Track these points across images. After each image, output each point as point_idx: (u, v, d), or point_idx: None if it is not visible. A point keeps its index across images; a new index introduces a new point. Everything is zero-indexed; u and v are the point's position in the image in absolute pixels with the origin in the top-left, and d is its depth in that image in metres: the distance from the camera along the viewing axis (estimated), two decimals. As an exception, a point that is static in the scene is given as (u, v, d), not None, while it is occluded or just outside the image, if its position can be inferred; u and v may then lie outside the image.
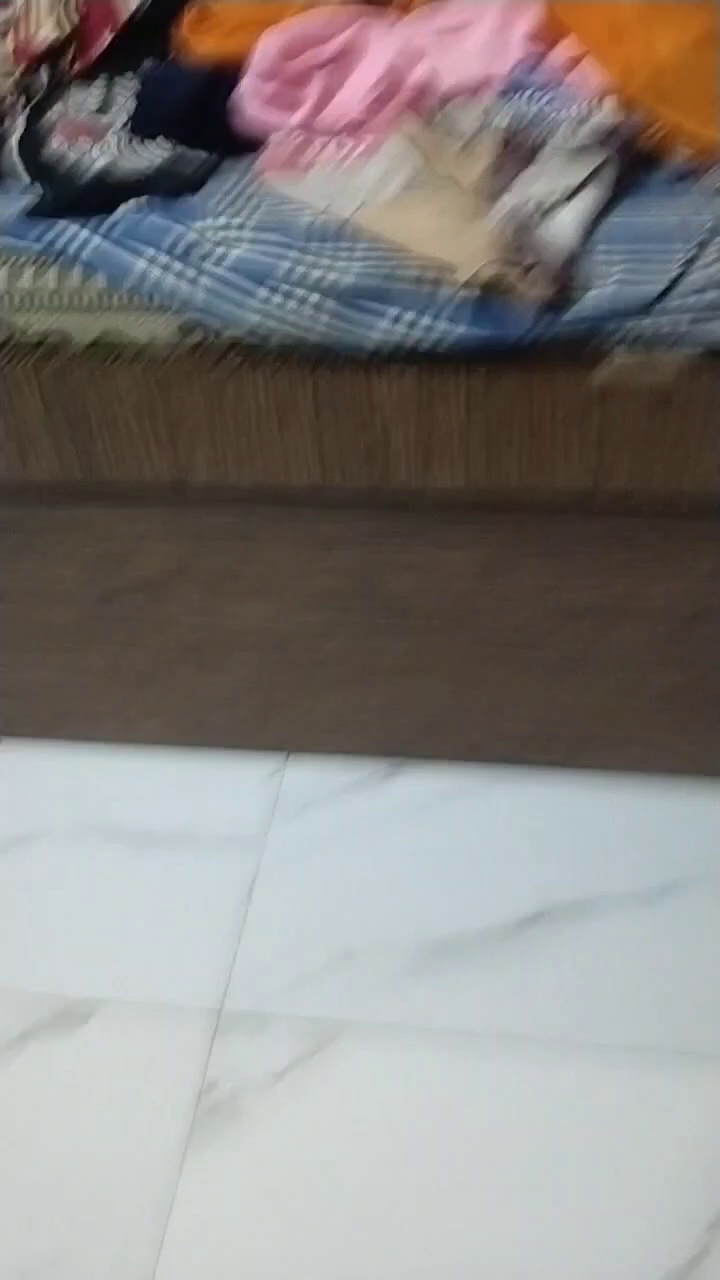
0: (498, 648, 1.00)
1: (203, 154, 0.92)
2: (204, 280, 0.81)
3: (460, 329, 0.79)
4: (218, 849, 1.06)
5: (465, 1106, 0.87)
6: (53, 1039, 0.93)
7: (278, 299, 0.80)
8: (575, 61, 0.94)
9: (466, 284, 0.78)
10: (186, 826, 1.08)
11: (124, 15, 1.06)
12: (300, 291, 0.80)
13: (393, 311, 0.80)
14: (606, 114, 0.88)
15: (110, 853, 1.07)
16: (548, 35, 0.97)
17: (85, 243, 0.83)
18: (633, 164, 0.87)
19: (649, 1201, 0.81)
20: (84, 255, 0.83)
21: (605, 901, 0.99)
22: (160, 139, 0.92)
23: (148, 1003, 0.95)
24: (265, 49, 0.95)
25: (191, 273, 0.81)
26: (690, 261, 0.77)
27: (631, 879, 1.00)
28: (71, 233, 0.83)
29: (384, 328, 0.80)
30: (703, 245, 0.77)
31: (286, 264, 0.80)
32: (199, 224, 0.83)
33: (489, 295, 0.78)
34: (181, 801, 1.11)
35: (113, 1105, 0.89)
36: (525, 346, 0.80)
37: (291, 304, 0.80)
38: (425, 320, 0.80)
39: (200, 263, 0.81)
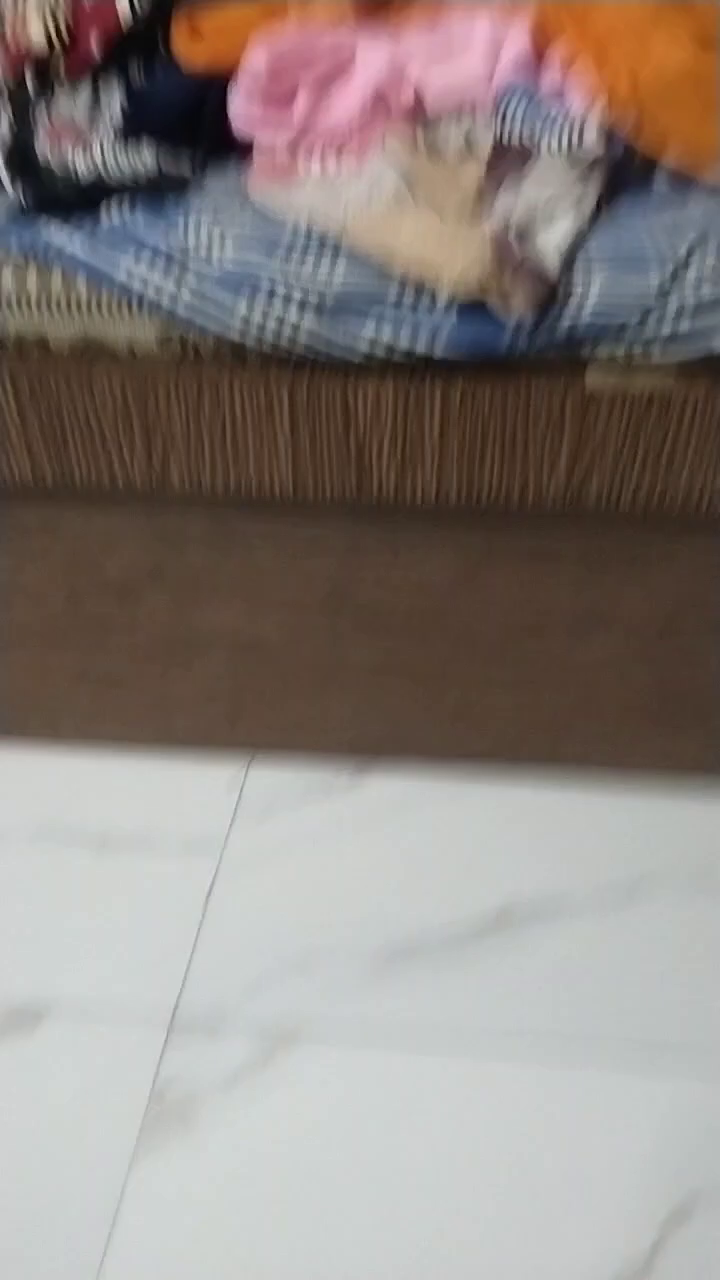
0: (469, 653, 1.01)
1: (189, 162, 0.92)
2: (187, 287, 0.81)
3: (443, 340, 0.80)
4: (178, 851, 1.06)
5: (422, 1108, 0.87)
6: (4, 1041, 0.92)
7: (260, 308, 0.81)
8: (566, 69, 0.96)
9: (452, 294, 0.79)
10: (147, 829, 1.08)
11: (114, 22, 1.06)
12: (283, 301, 0.80)
13: (375, 323, 0.80)
14: (595, 126, 0.90)
15: (70, 854, 1.06)
16: (540, 43, 0.99)
17: (68, 246, 0.83)
18: (619, 177, 0.89)
19: (609, 1197, 0.81)
20: (66, 258, 0.83)
21: (570, 901, 1.00)
22: (147, 145, 0.92)
23: (102, 1005, 0.95)
24: (256, 59, 0.96)
25: (174, 279, 0.81)
26: (671, 277, 0.79)
27: (597, 879, 1.01)
28: (54, 235, 0.83)
29: (367, 338, 0.81)
30: (682, 263, 0.79)
31: (271, 274, 0.80)
32: (184, 231, 0.83)
33: (473, 306, 0.79)
34: (143, 803, 1.10)
35: (63, 1108, 0.88)
36: (507, 357, 0.81)
37: (274, 313, 0.81)
38: (408, 331, 0.80)
39: (184, 270, 0.81)
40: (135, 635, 1.04)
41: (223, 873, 1.04)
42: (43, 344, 0.86)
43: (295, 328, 0.81)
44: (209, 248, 0.82)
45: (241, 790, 1.11)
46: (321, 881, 1.03)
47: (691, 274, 0.79)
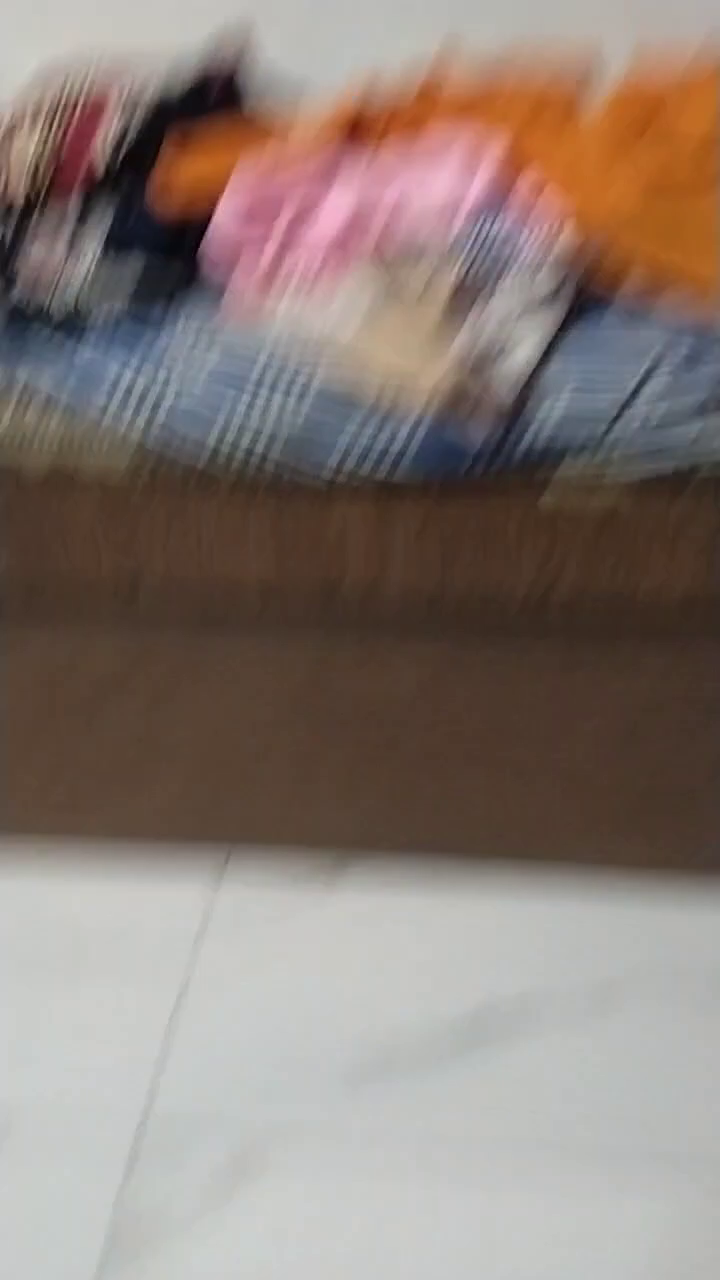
0: (441, 757, 1.02)
1: (166, 294, 0.96)
2: (159, 420, 0.85)
3: (414, 455, 0.83)
4: (149, 958, 1.05)
5: (398, 1230, 0.85)
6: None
7: (230, 439, 0.83)
8: (535, 198, 0.99)
9: (422, 411, 0.81)
10: (118, 934, 1.07)
11: (92, 175, 1.11)
12: (253, 433, 0.83)
13: (348, 441, 0.83)
14: (561, 252, 0.93)
15: (37, 962, 1.05)
16: (510, 172, 1.03)
17: (43, 380, 0.86)
18: (584, 299, 0.91)
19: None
20: (46, 389, 0.86)
21: (547, 1008, 0.99)
22: (126, 281, 0.96)
23: (66, 1119, 0.93)
24: (229, 204, 1.00)
25: (147, 413, 0.85)
26: (634, 394, 0.81)
27: (573, 983, 1.00)
28: (34, 367, 0.87)
29: (340, 456, 0.83)
30: (645, 379, 0.81)
31: (247, 397, 0.83)
32: (157, 364, 0.86)
33: (444, 422, 0.82)
34: (114, 909, 1.09)
35: (24, 1228, 0.85)
36: (477, 469, 0.83)
37: (243, 444, 0.83)
38: (381, 447, 0.83)
39: (157, 403, 0.84)
40: (105, 747, 1.05)
41: (193, 980, 1.03)
42: (16, 471, 0.89)
43: (264, 456, 0.84)
44: (181, 382, 0.85)
45: (218, 885, 1.11)
46: (294, 989, 1.03)
47: (647, 395, 0.81)
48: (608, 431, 0.81)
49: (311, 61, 1.32)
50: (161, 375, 0.86)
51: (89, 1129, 0.92)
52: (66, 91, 1.16)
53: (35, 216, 1.04)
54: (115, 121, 1.11)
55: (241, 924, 1.08)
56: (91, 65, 1.22)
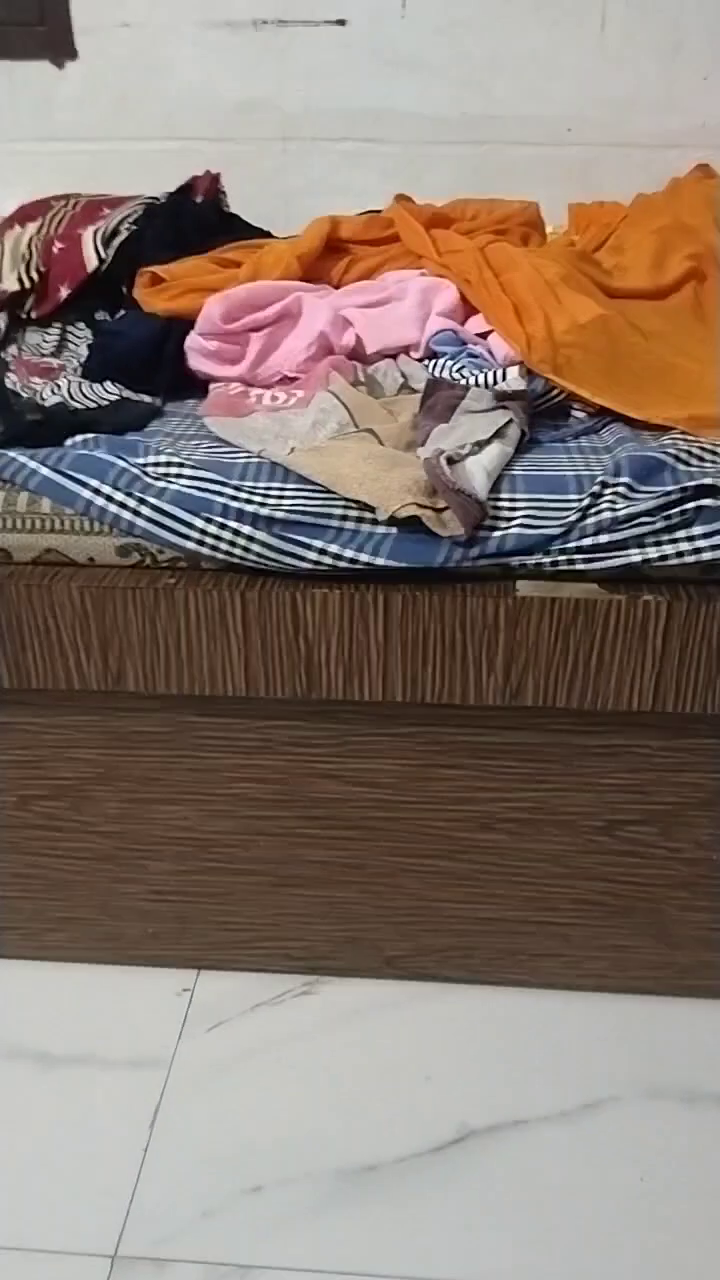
0: (416, 857, 1.02)
1: (147, 398, 1.01)
2: (145, 511, 0.87)
3: (381, 560, 0.86)
4: (122, 1071, 1.01)
5: None
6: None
7: (213, 529, 0.87)
8: (485, 335, 1.08)
9: (386, 522, 0.86)
10: (90, 1047, 1.03)
11: (81, 269, 1.18)
12: (235, 524, 0.86)
13: (320, 544, 0.86)
14: (512, 380, 1.01)
15: (9, 1070, 1.01)
16: (461, 312, 1.12)
17: (33, 473, 0.89)
18: (535, 422, 0.99)
19: None
20: (31, 485, 0.89)
21: (526, 1122, 0.96)
22: (109, 383, 1.01)
23: (42, 1234, 0.88)
24: (210, 309, 1.07)
25: (133, 503, 0.87)
26: (585, 508, 0.86)
27: (552, 1098, 0.98)
28: (20, 464, 0.90)
29: (312, 558, 0.86)
30: (595, 496, 0.87)
31: (222, 499, 0.87)
32: (142, 460, 0.90)
33: (407, 532, 0.86)
34: (86, 1020, 1.06)
35: None
36: (441, 575, 0.87)
37: (226, 534, 0.86)
38: (350, 552, 0.86)
39: (142, 495, 0.87)
40: (82, 840, 1.03)
41: (170, 1090, 0.99)
42: (4, 554, 0.91)
43: (248, 544, 0.87)
44: (167, 473, 0.89)
45: (191, 1000, 1.08)
46: (274, 1097, 0.99)
47: (607, 498, 0.87)
48: (569, 529, 0.86)
49: (274, 206, 1.44)
50: (149, 465, 0.89)
51: (66, 1242, 0.88)
52: (62, 204, 1.24)
53: (29, 311, 1.09)
54: (108, 220, 1.18)
55: (220, 1028, 1.05)
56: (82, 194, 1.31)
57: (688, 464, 0.89)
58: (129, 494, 0.87)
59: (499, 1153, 0.94)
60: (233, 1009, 1.07)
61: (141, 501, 0.87)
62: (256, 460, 0.91)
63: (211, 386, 1.04)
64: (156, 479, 0.88)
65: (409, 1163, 0.94)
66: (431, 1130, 0.96)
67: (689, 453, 0.91)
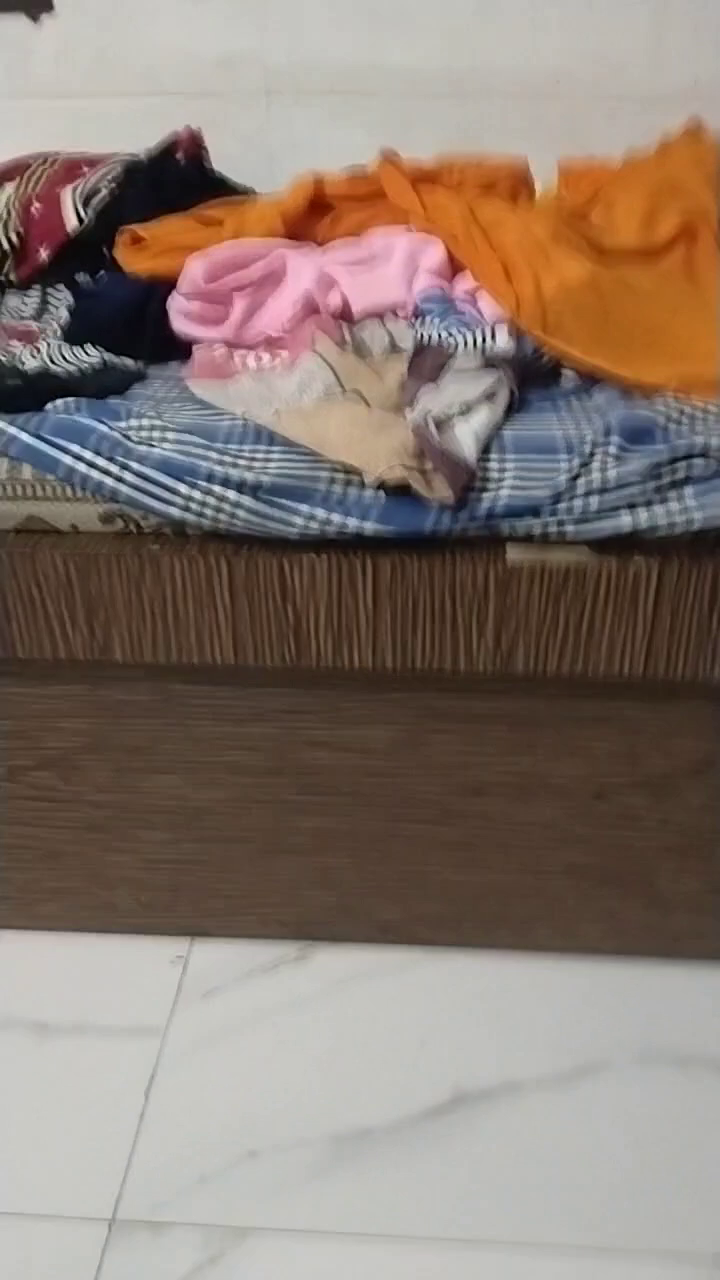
0: (408, 824, 1.02)
1: (130, 361, 0.99)
2: (128, 476, 0.86)
3: (370, 524, 0.85)
4: (117, 1040, 1.02)
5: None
6: None
7: (198, 495, 0.85)
8: (473, 294, 1.06)
9: (374, 485, 0.85)
10: (85, 1016, 1.03)
11: (62, 231, 1.16)
12: (220, 489, 0.85)
13: (307, 509, 0.85)
14: (501, 340, 0.99)
15: (4, 1043, 1.01)
16: (449, 271, 1.10)
17: (13, 439, 0.87)
18: (524, 384, 0.97)
19: None
20: (11, 451, 0.87)
21: (520, 1086, 0.97)
22: (90, 346, 0.99)
23: (41, 1200, 0.88)
24: (194, 266, 1.05)
25: (116, 469, 0.86)
26: (579, 463, 0.85)
27: (545, 1062, 0.99)
28: (2, 426, 0.88)
29: (300, 523, 0.85)
30: (585, 458, 0.86)
31: (207, 464, 0.85)
32: (124, 424, 0.88)
33: (396, 495, 0.85)
34: (81, 989, 1.06)
35: None
36: (430, 540, 0.86)
37: (211, 500, 0.85)
38: (338, 517, 0.85)
39: (125, 460, 0.86)
40: (73, 811, 1.03)
41: (166, 1057, 1.00)
42: (-11, 522, 0.89)
43: (234, 510, 0.85)
44: (150, 437, 0.87)
45: (185, 968, 1.08)
46: (269, 1064, 0.99)
47: (597, 460, 0.85)
48: (559, 495, 0.85)
49: (258, 163, 1.41)
50: (132, 430, 0.87)
51: (64, 1207, 0.89)
52: (40, 163, 1.21)
53: (9, 274, 1.07)
54: (88, 180, 1.15)
55: (214, 996, 1.05)
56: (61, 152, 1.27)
57: (679, 425, 0.88)
58: (111, 459, 0.86)
59: (492, 1116, 0.95)
60: (227, 977, 1.07)
61: (124, 467, 0.86)
62: (242, 424, 0.89)
63: (195, 348, 1.01)
64: (139, 443, 0.86)
65: (403, 1127, 0.94)
66: (425, 1095, 0.97)
67: (680, 413, 0.89)
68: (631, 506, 0.84)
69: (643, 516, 0.85)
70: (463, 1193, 0.89)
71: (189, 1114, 0.96)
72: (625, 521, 0.85)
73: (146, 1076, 0.98)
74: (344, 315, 1.05)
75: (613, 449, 0.85)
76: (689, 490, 0.85)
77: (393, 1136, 0.94)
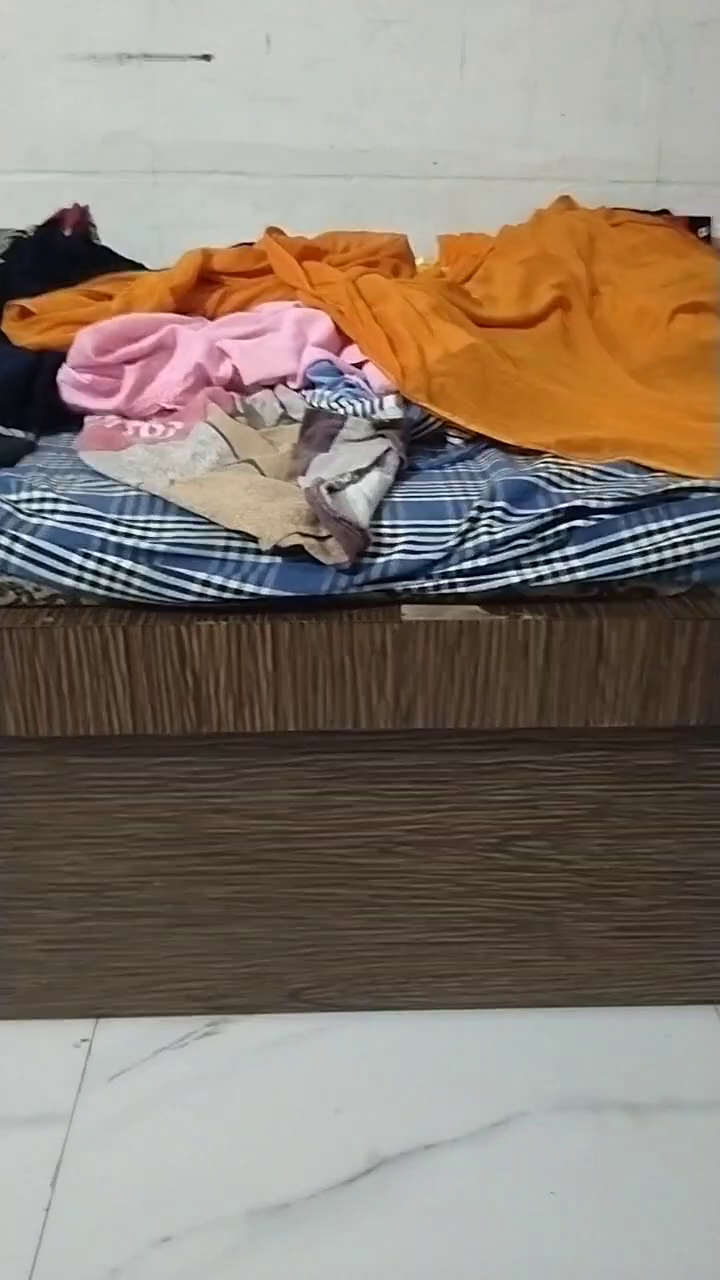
0: (316, 887, 1.02)
1: (19, 433, 0.99)
2: (18, 548, 0.85)
3: (267, 589, 0.86)
4: (19, 1129, 0.97)
5: None
6: None
7: (92, 565, 0.85)
8: (361, 365, 1.10)
9: (270, 552, 0.86)
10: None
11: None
12: (114, 558, 0.85)
13: (204, 575, 0.86)
14: (389, 408, 1.02)
15: None
16: (336, 343, 1.13)
17: None
18: (413, 450, 1.00)
19: None
20: None
21: (437, 1145, 0.96)
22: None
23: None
24: (82, 341, 1.06)
25: (7, 540, 0.85)
26: (464, 533, 0.88)
27: (462, 1119, 0.99)
28: None
29: (196, 590, 0.86)
30: (473, 520, 0.89)
31: (100, 534, 0.85)
32: (15, 496, 0.88)
33: (291, 561, 0.86)
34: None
35: None
36: (327, 603, 0.87)
37: (105, 569, 0.85)
38: (234, 582, 0.86)
39: (15, 532, 0.85)
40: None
41: (71, 1145, 0.96)
42: None
43: (128, 578, 0.85)
44: (42, 509, 0.87)
45: (89, 1050, 1.04)
46: (179, 1144, 0.96)
47: (484, 522, 0.89)
48: (449, 554, 0.88)
49: (146, 239, 1.44)
50: (24, 500, 0.87)
51: None
52: None
53: None
54: None
55: (121, 1077, 1.02)
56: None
57: (560, 486, 0.92)
58: (1, 531, 0.85)
59: (410, 1178, 0.94)
60: (134, 1056, 1.04)
61: (15, 539, 0.85)
62: (135, 493, 0.89)
63: (87, 419, 1.02)
64: (30, 515, 0.86)
65: (321, 1197, 0.92)
66: (343, 1162, 0.95)
67: (561, 475, 0.93)
68: (518, 564, 0.88)
69: (529, 573, 0.88)
70: (386, 1258, 0.88)
71: (97, 1202, 0.92)
72: (513, 578, 0.88)
73: (52, 1166, 0.94)
74: (235, 386, 1.07)
75: (498, 511, 0.89)
76: (571, 548, 0.88)
77: (311, 1208, 0.92)
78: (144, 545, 0.85)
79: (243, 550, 0.87)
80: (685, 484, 0.91)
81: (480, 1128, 0.98)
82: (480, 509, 0.89)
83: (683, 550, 0.87)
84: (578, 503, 0.88)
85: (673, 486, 0.91)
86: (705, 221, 1.54)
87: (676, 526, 0.88)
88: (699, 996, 1.09)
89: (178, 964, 1.05)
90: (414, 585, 0.88)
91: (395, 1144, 0.96)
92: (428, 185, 1.61)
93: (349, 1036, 1.06)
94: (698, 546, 0.88)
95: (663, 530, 0.88)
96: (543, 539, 0.88)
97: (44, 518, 0.86)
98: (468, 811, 0.99)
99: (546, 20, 1.56)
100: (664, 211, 1.54)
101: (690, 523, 0.89)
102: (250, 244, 1.32)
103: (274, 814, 0.98)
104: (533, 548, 0.88)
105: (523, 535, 0.87)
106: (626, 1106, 1.00)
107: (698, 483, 0.92)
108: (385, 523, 0.90)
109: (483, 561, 0.88)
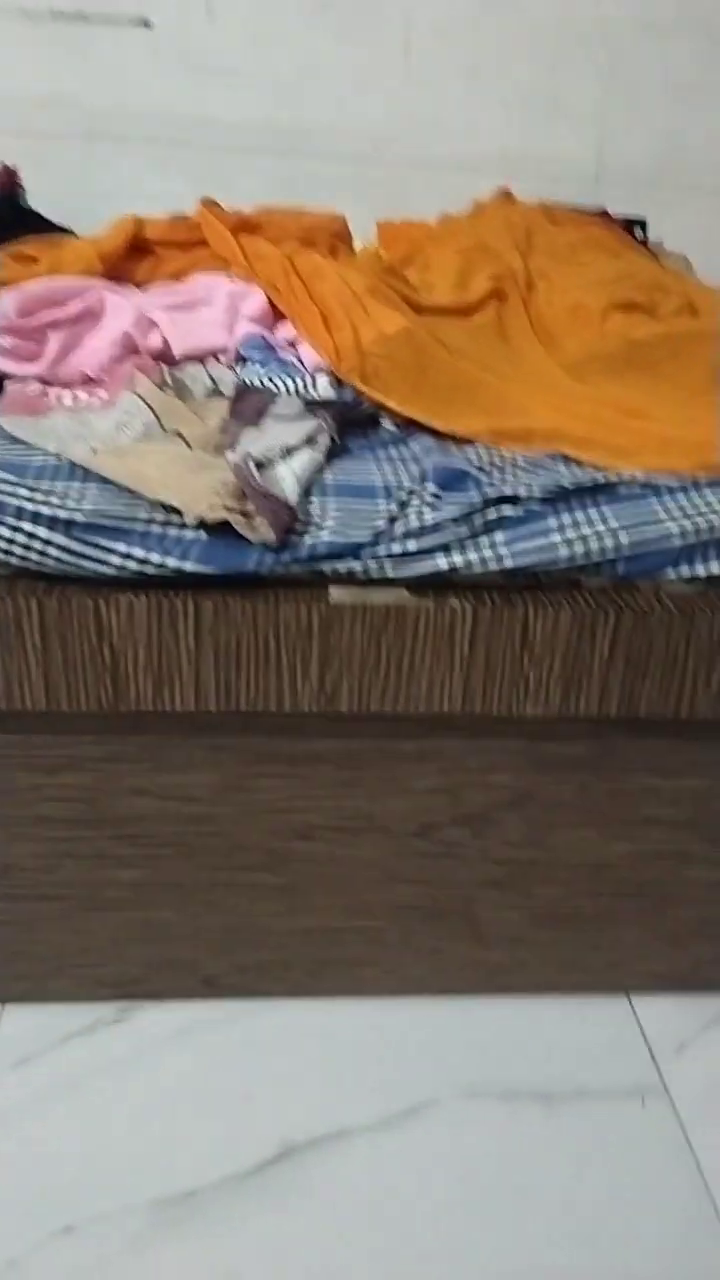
0: (233, 872, 1.00)
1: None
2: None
3: (190, 564, 0.84)
4: None
5: None
6: None
7: (6, 533, 0.81)
8: (293, 342, 1.08)
9: (195, 526, 0.84)
10: None
11: None
12: (30, 526, 0.82)
13: (124, 547, 0.83)
14: (321, 387, 1.01)
15: None
16: (269, 318, 1.11)
17: None
18: (344, 430, 0.99)
19: None
20: None
21: (348, 1132, 0.96)
22: None
23: None
24: (3, 303, 1.02)
25: None
26: (398, 505, 0.87)
27: (373, 1106, 0.98)
28: None
29: (116, 562, 0.83)
30: (402, 503, 0.88)
31: (16, 500, 0.82)
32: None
33: (217, 536, 0.84)
34: None
35: None
36: (253, 581, 0.86)
37: (20, 537, 0.82)
38: (156, 556, 0.83)
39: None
40: None
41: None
42: None
43: (44, 547, 0.82)
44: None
45: (-9, 1039, 1.01)
46: (85, 1132, 0.94)
47: (414, 505, 0.88)
48: (378, 536, 0.87)
49: (79, 205, 1.40)
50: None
51: None
52: None
53: None
54: None
55: (28, 1064, 0.99)
56: None
57: (490, 474, 0.92)
58: None
59: (320, 1166, 0.93)
60: (40, 1044, 1.01)
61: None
62: (55, 460, 0.86)
63: (7, 384, 0.98)
64: (-54, 478, 0.82)
65: (229, 1185, 0.91)
66: (252, 1150, 0.94)
67: (491, 463, 0.93)
68: (446, 549, 0.87)
69: (457, 558, 0.87)
70: (293, 1246, 0.87)
71: (5, 1178, 0.89)
72: (441, 563, 0.87)
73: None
74: (164, 357, 1.05)
75: (428, 495, 0.88)
76: (499, 535, 0.88)
77: (219, 1196, 0.90)
78: (62, 514, 0.82)
79: (166, 524, 0.85)
80: (614, 478, 0.92)
81: (392, 1115, 0.98)
82: (410, 492, 0.89)
83: (609, 543, 0.88)
84: (508, 491, 0.88)
85: (601, 480, 0.92)
86: (641, 223, 1.56)
87: (604, 519, 0.89)
88: (612, 986, 1.11)
89: (88, 949, 1.02)
90: (342, 566, 0.87)
91: (306, 1131, 0.96)
92: (367, 170, 1.60)
93: (262, 1024, 1.05)
94: (623, 540, 0.88)
95: (590, 523, 0.89)
96: (472, 525, 0.87)
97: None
98: (389, 798, 0.98)
99: (491, 13, 1.56)
100: (603, 212, 1.55)
101: (617, 516, 0.89)
102: (184, 215, 1.29)
103: (191, 796, 0.96)
104: (462, 534, 0.87)
105: (452, 520, 0.87)
106: (538, 1095, 1.01)
107: (625, 477, 0.93)
108: (315, 501, 0.88)
109: (411, 545, 0.87)
